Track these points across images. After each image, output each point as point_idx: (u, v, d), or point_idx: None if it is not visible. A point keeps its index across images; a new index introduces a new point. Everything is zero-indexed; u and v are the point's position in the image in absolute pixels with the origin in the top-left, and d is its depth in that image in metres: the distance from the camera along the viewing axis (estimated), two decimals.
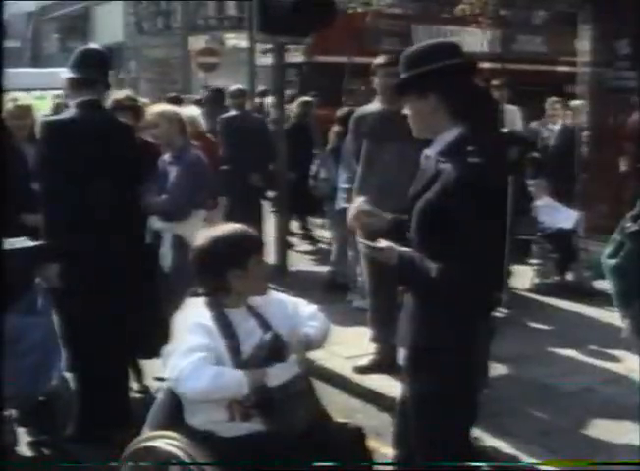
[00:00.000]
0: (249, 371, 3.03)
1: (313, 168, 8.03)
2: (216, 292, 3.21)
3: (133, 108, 5.28)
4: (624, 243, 3.57)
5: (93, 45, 4.91)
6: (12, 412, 4.51)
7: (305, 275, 8.35)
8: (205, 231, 3.33)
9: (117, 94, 5.17)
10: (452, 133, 3.11)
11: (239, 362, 3.07)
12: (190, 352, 2.99)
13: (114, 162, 4.54)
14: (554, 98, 10.34)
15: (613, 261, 3.61)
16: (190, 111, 7.57)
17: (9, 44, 21.82)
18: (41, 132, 4.65)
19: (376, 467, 3.37)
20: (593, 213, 8.42)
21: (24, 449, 4.50)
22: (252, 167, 8.44)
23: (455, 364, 3.05)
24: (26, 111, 5.24)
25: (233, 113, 9.03)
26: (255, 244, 3.27)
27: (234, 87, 9.62)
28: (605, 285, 6.75)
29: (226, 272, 3.16)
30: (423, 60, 3.12)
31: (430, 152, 3.16)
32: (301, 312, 3.34)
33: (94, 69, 4.64)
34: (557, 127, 9.89)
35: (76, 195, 4.41)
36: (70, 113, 4.66)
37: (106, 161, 4.50)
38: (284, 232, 8.66)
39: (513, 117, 10.49)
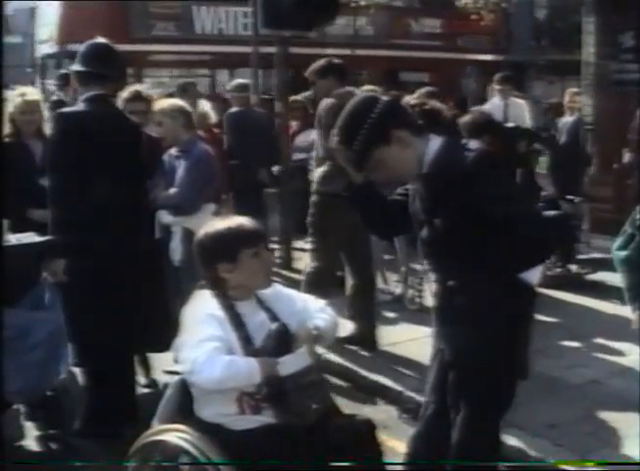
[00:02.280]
0: (261, 360, 3.03)
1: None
2: (215, 286, 3.22)
3: (146, 99, 5.31)
4: (635, 235, 3.58)
5: (102, 40, 4.83)
6: (20, 406, 4.54)
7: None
8: (205, 226, 3.34)
9: (131, 86, 5.19)
10: (434, 142, 3.13)
11: (250, 353, 3.07)
12: (203, 343, 3.00)
13: (121, 156, 4.54)
14: (573, 89, 9.98)
15: (624, 253, 3.61)
16: (201, 105, 7.57)
17: (11, 40, 21.74)
18: (54, 124, 4.64)
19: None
20: (597, 206, 8.42)
21: (31, 444, 4.51)
22: (257, 162, 8.41)
23: (501, 362, 3.13)
24: (34, 106, 5.20)
25: (237, 109, 8.87)
26: (248, 238, 3.21)
27: (236, 82, 9.24)
28: (608, 277, 6.80)
29: (216, 266, 3.18)
30: (362, 116, 3.09)
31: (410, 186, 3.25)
32: (310, 307, 3.34)
33: (103, 63, 4.63)
34: (571, 119, 9.58)
35: (84, 190, 4.41)
36: (80, 106, 4.65)
37: (114, 155, 4.50)
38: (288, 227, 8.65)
39: (521, 110, 10.44)
